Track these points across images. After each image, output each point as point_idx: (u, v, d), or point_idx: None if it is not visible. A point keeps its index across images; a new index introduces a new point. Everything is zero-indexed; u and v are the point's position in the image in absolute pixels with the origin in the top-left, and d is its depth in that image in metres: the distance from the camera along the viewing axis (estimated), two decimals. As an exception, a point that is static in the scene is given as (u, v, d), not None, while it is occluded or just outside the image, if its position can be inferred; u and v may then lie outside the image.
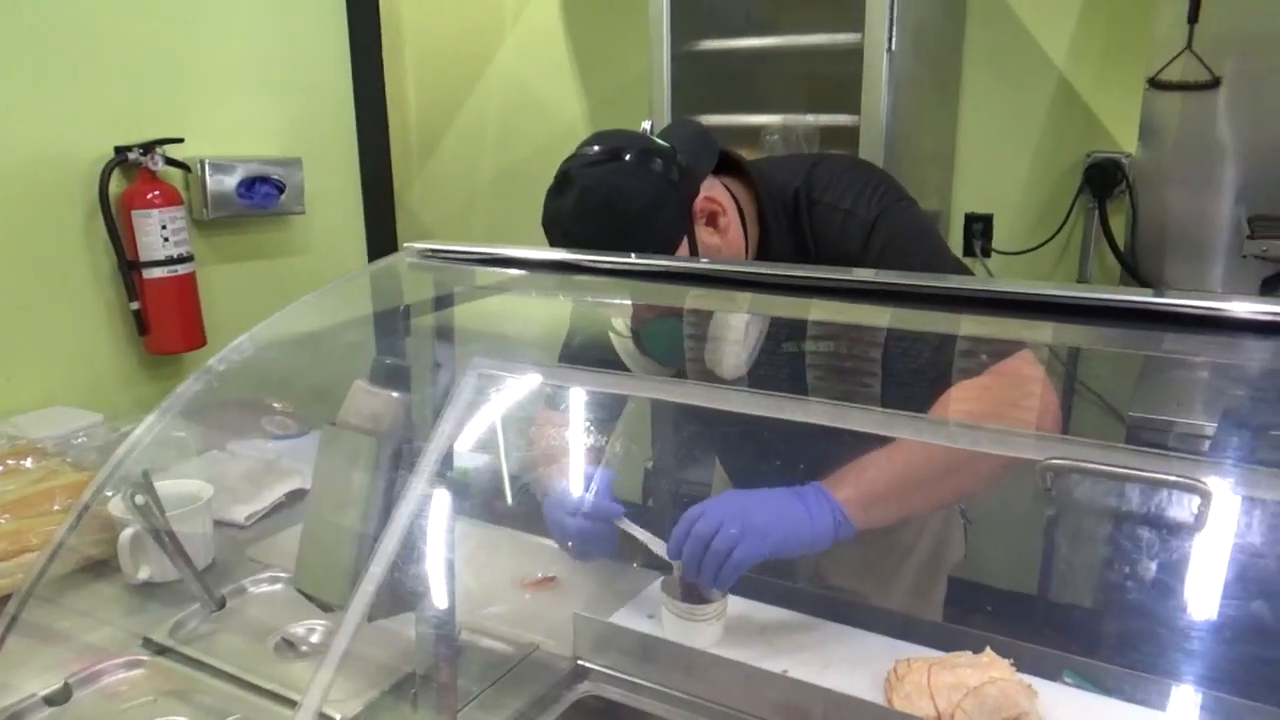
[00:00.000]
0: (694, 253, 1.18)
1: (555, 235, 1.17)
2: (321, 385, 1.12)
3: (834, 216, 1.23)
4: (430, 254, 1.06)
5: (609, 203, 1.13)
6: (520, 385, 1.07)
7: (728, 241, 1.22)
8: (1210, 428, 1.69)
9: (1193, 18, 2.04)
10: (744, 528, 1.06)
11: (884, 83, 2.23)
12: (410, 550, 0.88)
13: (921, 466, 1.14)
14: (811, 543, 1.07)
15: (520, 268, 1.05)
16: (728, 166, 1.29)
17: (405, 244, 1.08)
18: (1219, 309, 0.69)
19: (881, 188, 1.24)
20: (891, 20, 2.19)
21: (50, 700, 1.06)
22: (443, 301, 1.13)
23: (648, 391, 1.29)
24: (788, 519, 1.08)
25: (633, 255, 1.00)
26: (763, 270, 0.92)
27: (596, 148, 1.17)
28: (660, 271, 1.00)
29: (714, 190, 1.22)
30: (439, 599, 0.95)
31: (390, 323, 1.14)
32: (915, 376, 1.22)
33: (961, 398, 1.15)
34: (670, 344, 1.29)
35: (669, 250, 1.17)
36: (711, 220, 1.21)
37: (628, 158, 1.15)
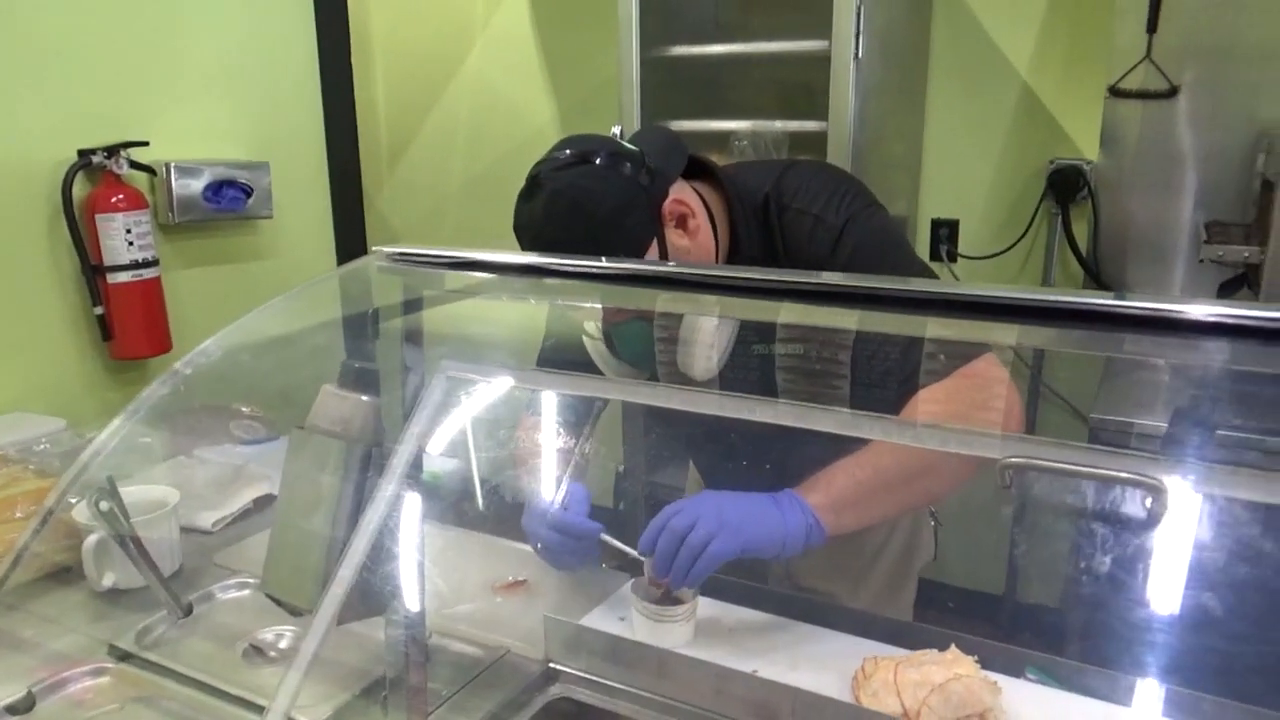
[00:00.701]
0: (664, 255, 1.19)
1: (526, 239, 1.18)
2: (290, 389, 1.11)
3: (803, 222, 1.24)
4: (399, 257, 1.06)
5: (577, 205, 1.14)
6: (489, 388, 1.08)
7: (697, 244, 1.23)
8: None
9: (1152, 28, 2.08)
10: (719, 524, 1.07)
11: (851, 89, 2.25)
12: (380, 553, 0.88)
13: (890, 470, 1.15)
14: (783, 544, 1.09)
15: (490, 271, 1.05)
16: (698, 171, 1.30)
17: (374, 247, 1.08)
18: (1177, 311, 0.71)
19: (850, 194, 1.26)
20: (858, 28, 2.22)
21: (13, 709, 1.05)
22: (412, 305, 1.13)
23: (619, 394, 1.30)
24: (761, 519, 1.09)
25: (602, 258, 1.01)
26: (732, 273, 0.93)
27: (567, 152, 1.18)
28: (630, 274, 1.01)
29: (683, 193, 1.23)
30: (409, 602, 0.95)
31: (359, 326, 1.14)
32: (883, 378, 1.24)
33: (929, 399, 1.17)
34: (641, 347, 1.30)
35: (639, 253, 1.17)
36: (681, 223, 1.22)
37: (597, 161, 1.15)
